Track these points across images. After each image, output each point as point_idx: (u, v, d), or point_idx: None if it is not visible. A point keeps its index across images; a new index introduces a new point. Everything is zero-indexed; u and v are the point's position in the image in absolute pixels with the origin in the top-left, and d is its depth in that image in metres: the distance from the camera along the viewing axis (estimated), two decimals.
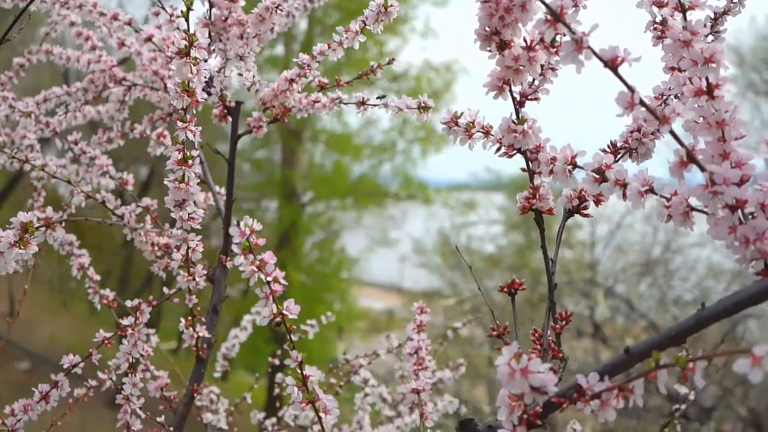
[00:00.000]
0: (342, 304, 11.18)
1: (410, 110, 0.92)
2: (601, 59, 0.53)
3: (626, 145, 0.72)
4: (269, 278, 0.66)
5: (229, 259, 0.98)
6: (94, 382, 1.18)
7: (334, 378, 1.39)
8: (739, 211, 0.56)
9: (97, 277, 1.15)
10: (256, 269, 0.65)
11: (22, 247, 0.71)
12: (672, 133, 0.54)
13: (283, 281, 0.66)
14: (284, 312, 0.67)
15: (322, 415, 0.68)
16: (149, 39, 1.03)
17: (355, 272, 12.07)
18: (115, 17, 1.14)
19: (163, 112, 1.22)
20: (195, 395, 1.04)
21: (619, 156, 0.73)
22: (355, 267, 12.06)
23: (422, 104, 0.90)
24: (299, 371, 0.69)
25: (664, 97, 0.73)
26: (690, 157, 0.54)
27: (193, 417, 1.21)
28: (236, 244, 0.65)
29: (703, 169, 0.54)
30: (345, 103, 1.01)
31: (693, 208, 0.57)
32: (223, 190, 1.19)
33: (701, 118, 0.57)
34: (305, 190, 12.04)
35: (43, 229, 0.69)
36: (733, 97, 0.58)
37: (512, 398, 0.56)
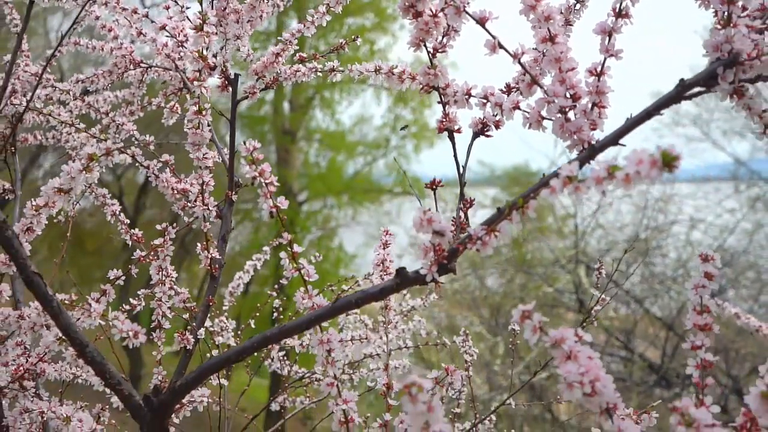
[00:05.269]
0: None
1: (369, 73, 1.20)
2: (474, 19, 0.82)
3: (516, 86, 1.01)
4: (267, 181, 0.94)
5: (234, 194, 1.26)
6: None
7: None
8: (573, 115, 0.85)
9: (127, 221, 1.44)
10: (257, 174, 0.94)
11: (88, 172, 0.99)
12: (521, 64, 0.83)
13: (276, 183, 0.95)
14: (278, 204, 0.96)
15: (306, 278, 0.97)
16: (163, 28, 1.32)
17: (353, 269, 12.34)
18: (134, 11, 1.43)
19: (175, 87, 1.51)
20: (210, 305, 1.32)
21: (512, 93, 1.01)
22: (353, 263, 12.34)
23: (377, 68, 1.19)
24: (290, 248, 0.97)
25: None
26: (533, 81, 0.83)
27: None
28: (243, 156, 0.93)
29: (541, 87, 0.83)
30: (320, 71, 1.30)
31: (543, 117, 0.86)
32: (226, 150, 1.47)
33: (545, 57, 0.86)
34: (301, 188, 12.35)
35: (104, 156, 0.98)
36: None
37: (426, 246, 0.84)
